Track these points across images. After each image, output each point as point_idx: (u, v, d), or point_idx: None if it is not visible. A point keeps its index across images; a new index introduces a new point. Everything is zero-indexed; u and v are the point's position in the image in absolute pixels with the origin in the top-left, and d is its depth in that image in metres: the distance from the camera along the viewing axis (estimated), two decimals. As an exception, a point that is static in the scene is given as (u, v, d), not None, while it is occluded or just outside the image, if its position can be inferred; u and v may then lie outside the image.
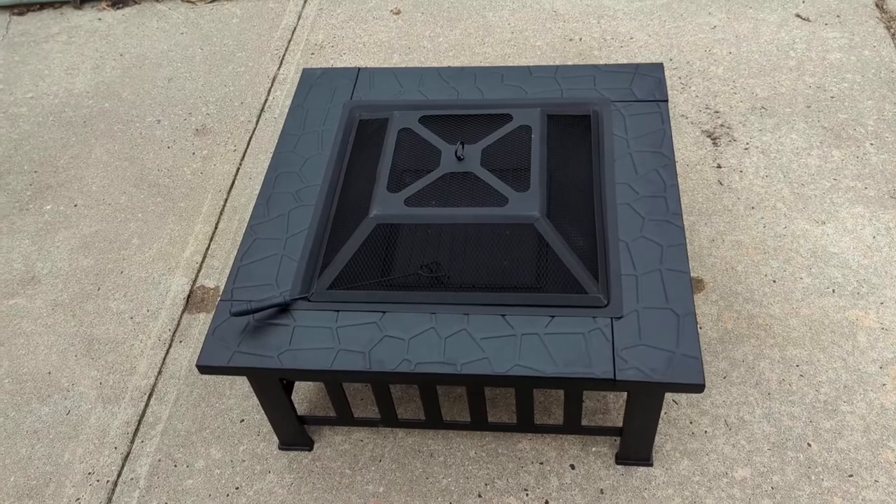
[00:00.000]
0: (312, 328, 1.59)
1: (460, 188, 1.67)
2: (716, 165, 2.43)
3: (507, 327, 1.55)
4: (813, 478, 1.75)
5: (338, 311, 1.61)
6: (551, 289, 1.58)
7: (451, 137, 1.79)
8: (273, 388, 1.69)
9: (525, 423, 1.77)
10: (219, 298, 2.22)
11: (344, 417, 1.82)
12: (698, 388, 1.44)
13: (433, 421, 1.80)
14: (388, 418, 1.80)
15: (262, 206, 1.84)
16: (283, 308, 1.63)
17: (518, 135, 1.77)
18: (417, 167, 1.73)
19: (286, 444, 1.90)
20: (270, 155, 2.65)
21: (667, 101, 1.95)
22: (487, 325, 1.56)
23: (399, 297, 1.61)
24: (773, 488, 1.74)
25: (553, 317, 1.56)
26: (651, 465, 1.79)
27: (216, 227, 2.45)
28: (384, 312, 1.60)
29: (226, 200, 2.53)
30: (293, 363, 1.54)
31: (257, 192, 2.53)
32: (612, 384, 1.47)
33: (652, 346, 1.50)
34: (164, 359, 2.13)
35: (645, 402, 1.60)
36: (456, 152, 1.71)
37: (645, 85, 2.00)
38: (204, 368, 1.57)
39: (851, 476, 1.74)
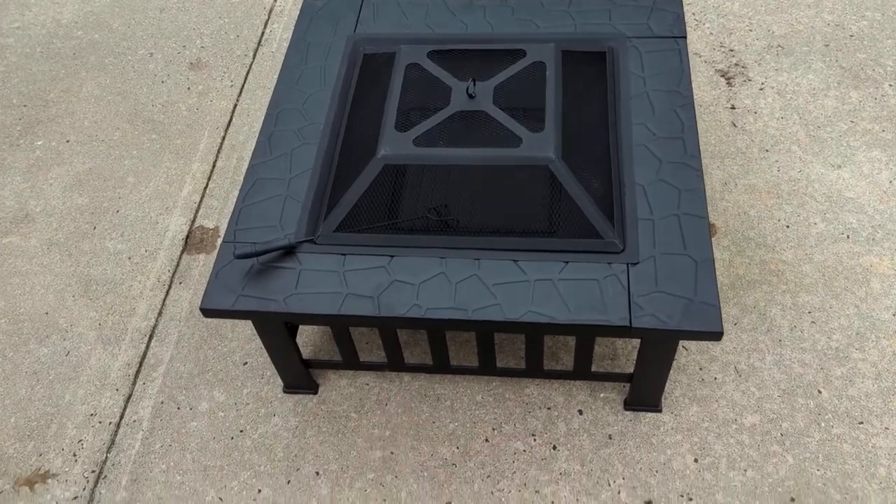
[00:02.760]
0: (319, 272, 1.54)
1: (472, 128, 1.60)
2: (730, 106, 2.36)
3: (520, 273, 1.50)
4: (823, 425, 1.74)
5: (344, 254, 1.56)
6: (565, 233, 1.53)
7: (461, 74, 1.71)
8: (278, 332, 1.65)
9: (534, 369, 1.74)
10: (220, 240, 2.17)
11: (350, 362, 1.79)
12: (716, 335, 1.41)
13: (440, 366, 1.77)
14: (395, 363, 1.78)
15: (263, 144, 1.77)
16: (289, 251, 1.58)
17: (532, 72, 1.69)
18: (426, 105, 1.66)
19: (291, 388, 1.88)
20: (269, 91, 2.56)
21: (685, 37, 1.86)
22: (499, 271, 1.51)
23: (408, 240, 1.56)
24: (782, 435, 1.73)
25: (567, 262, 1.51)
26: (660, 411, 1.78)
27: (214, 166, 2.38)
28: (392, 256, 1.55)
29: (223, 138, 2.45)
30: (300, 307, 1.50)
31: (256, 129, 2.45)
32: (627, 331, 1.43)
33: (668, 293, 1.46)
34: (164, 300, 2.09)
35: (658, 350, 1.57)
36: (467, 90, 1.64)
37: (663, 20, 1.91)
38: (208, 312, 1.52)
39: (861, 423, 1.73)
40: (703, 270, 1.48)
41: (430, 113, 1.64)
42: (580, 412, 1.80)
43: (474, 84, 1.64)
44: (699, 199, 1.59)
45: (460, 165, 1.55)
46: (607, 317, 1.43)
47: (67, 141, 2.49)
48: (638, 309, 1.44)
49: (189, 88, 2.60)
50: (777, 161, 2.21)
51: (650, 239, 1.53)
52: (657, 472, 1.70)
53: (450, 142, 1.58)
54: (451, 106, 1.64)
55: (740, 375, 1.82)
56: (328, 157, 1.72)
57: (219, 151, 2.41)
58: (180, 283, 2.12)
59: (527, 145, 1.55)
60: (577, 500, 1.67)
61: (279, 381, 1.90)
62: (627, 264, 1.50)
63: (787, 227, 2.07)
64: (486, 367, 1.75)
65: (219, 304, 1.52)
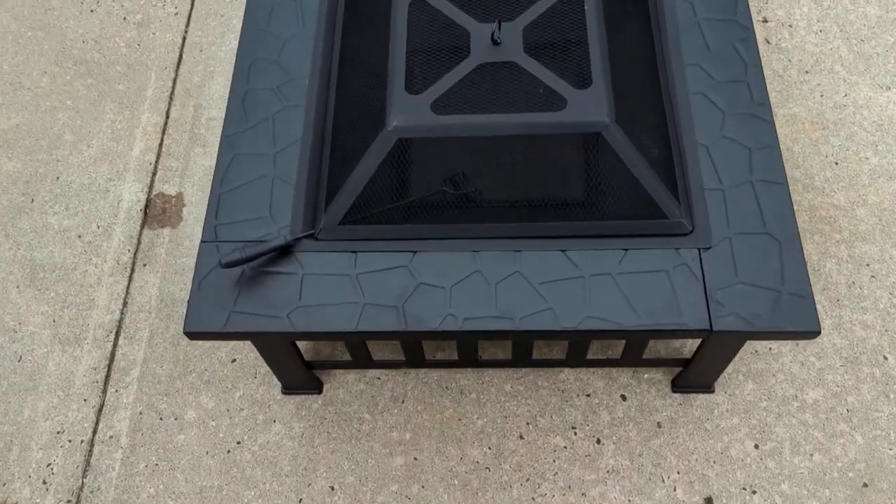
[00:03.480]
0: (326, 277, 1.26)
1: (501, 85, 1.29)
2: (761, 19, 2.06)
3: (571, 266, 1.25)
4: (892, 396, 1.57)
5: (355, 251, 1.28)
6: (623, 214, 1.27)
7: (480, 12, 1.38)
8: (280, 347, 1.39)
9: (576, 360, 1.52)
10: (185, 209, 1.85)
11: (360, 361, 1.54)
12: (812, 335, 1.19)
13: (467, 361, 1.53)
14: (414, 360, 1.53)
15: (237, 107, 1.43)
16: (285, 250, 1.29)
17: (566, 7, 1.37)
18: (440, 56, 1.34)
19: (290, 389, 1.63)
20: (223, 19, 2.16)
21: (736, -51, 1.55)
22: (546, 265, 1.25)
23: (431, 231, 1.28)
24: (848, 411, 1.56)
25: (626, 250, 1.26)
26: (712, 391, 1.59)
27: (167, 117, 2.01)
28: (414, 252, 1.27)
29: (174, 80, 2.07)
30: (308, 324, 1.23)
31: (212, 69, 2.07)
32: (707, 334, 1.20)
33: (751, 284, 1.22)
34: (128, 287, 1.78)
35: (729, 343, 1.35)
36: (492, 35, 1.32)
37: (707, -72, 1.58)
38: (194, 335, 1.24)
39: (934, 393, 1.57)
40: (790, 252, 1.25)
41: (445, 67, 1.32)
42: (623, 398, 1.59)
43: (499, 27, 1.31)
44: (775, 159, 1.33)
45: (492, 136, 1.26)
46: (683, 319, 1.20)
47: (-15, 91, 2.08)
48: (718, 307, 1.21)
49: (125, 18, 2.19)
50: (819, 84, 1.95)
51: (722, 215, 1.28)
52: (715, 462, 1.52)
53: (476, 106, 1.27)
54: (471, 57, 1.32)
55: (797, 344, 1.63)
56: (319, 123, 1.40)
57: (171, 98, 2.04)
58: (144, 265, 1.81)
59: (573, 107, 1.26)
60: (629, 500, 1.49)
61: (276, 381, 1.65)
62: (699, 249, 1.26)
63: (836, 163, 1.84)
64: (521, 359, 1.53)
65: (207, 325, 1.24)
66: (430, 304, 1.23)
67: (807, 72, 1.97)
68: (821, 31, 2.03)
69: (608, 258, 1.25)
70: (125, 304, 1.76)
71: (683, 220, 1.27)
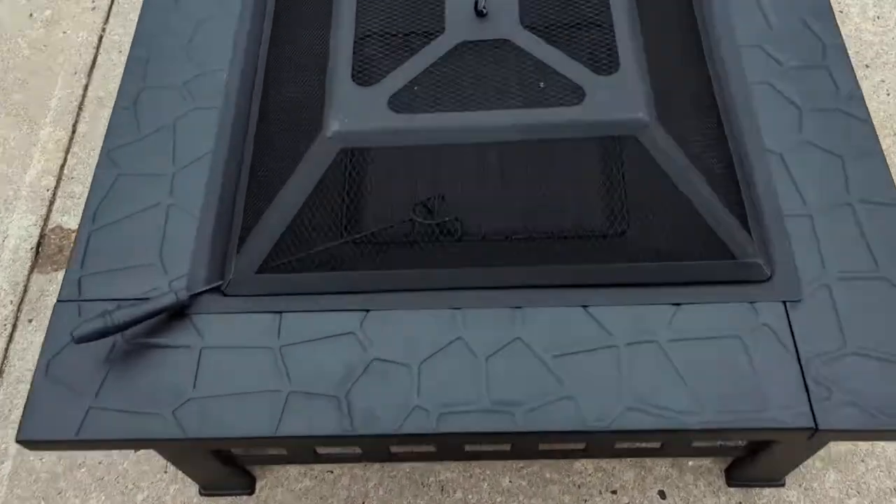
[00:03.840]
0: (235, 350, 0.86)
1: (490, 72, 0.90)
2: (805, 5, 1.69)
3: (598, 331, 0.85)
4: None
5: (279, 311, 0.88)
6: (670, 252, 0.87)
7: (458, -28, 0.99)
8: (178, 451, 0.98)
9: (599, 451, 1.11)
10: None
11: (299, 457, 1.12)
12: (966, 435, 0.80)
13: (448, 453, 1.12)
14: (375, 455, 1.12)
15: (126, 111, 1.04)
16: (177, 312, 0.88)
17: (579, -37, 0.98)
18: (403, 34, 0.94)
19: (210, 490, 1.21)
20: (148, 13, 1.77)
21: None
22: (560, 328, 0.85)
23: (390, 279, 0.87)
24: (966, 511, 1.16)
25: (678, 305, 0.86)
26: (782, 485, 1.18)
27: (74, 132, 1.61)
28: (366, 312, 0.87)
29: (86, 88, 1.67)
30: (203, 427, 0.82)
31: (133, 72, 1.68)
32: (811, 434, 0.80)
33: (869, 355, 0.82)
34: (6, 350, 1.37)
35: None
36: (476, 4, 0.93)
37: None
38: (32, 444, 0.83)
39: None
40: (917, 307, 0.85)
41: (409, 48, 0.93)
42: (662, 495, 1.19)
43: (485, -9, 0.92)
44: (880, 171, 0.94)
45: (477, 145, 0.86)
46: (769, 412, 0.80)
47: None
48: (822, 392, 0.80)
49: (31, 15, 1.79)
50: (884, 81, 1.57)
51: (813, 252, 0.89)
52: (791, 587, 1.11)
53: (455, 101, 0.87)
54: (447, 34, 0.92)
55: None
56: (238, 131, 1.01)
57: (80, 109, 1.64)
58: (30, 320, 1.39)
59: (595, 99, 0.86)
60: None
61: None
62: (785, 303, 0.86)
63: (915, 179, 1.45)
64: (522, 451, 1.11)
65: (51, 430, 0.83)
66: (389, 392, 0.82)
67: (867, 66, 1.59)
68: (878, 17, 1.66)
69: (652, 318, 0.85)
70: (1, 373, 1.34)
71: (758, 259, 0.87)
